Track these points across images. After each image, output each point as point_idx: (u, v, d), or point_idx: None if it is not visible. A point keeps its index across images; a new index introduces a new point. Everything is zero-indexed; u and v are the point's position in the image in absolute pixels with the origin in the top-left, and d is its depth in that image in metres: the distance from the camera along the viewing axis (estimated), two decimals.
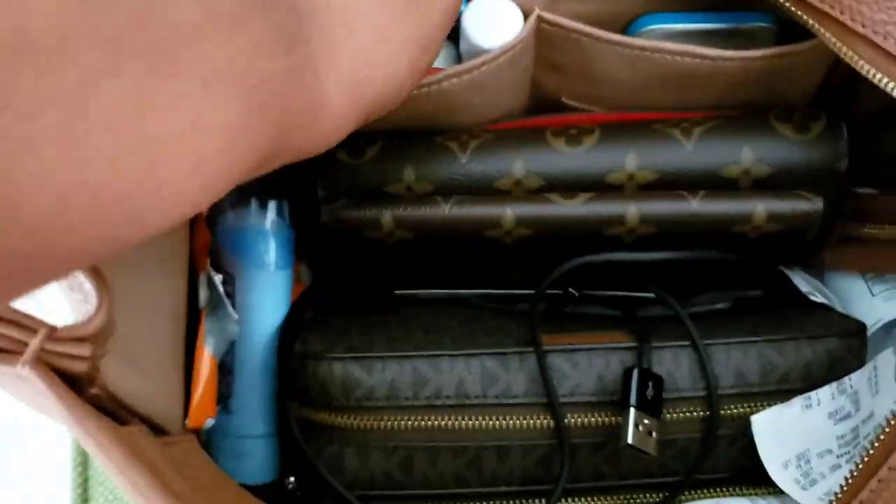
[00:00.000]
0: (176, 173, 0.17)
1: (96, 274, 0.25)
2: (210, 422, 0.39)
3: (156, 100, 0.16)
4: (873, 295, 0.39)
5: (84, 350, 0.24)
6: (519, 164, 0.37)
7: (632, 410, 0.34)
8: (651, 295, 0.39)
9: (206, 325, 0.40)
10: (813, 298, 0.39)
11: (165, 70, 0.16)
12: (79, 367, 0.25)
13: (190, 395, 0.38)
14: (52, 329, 0.24)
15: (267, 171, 0.22)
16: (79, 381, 0.25)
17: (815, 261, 0.42)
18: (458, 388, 0.36)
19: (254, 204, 0.42)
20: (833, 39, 0.29)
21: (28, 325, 0.23)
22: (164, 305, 0.38)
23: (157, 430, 0.34)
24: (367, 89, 0.24)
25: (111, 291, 0.25)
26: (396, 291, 0.43)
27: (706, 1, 0.33)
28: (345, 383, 0.36)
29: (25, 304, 0.25)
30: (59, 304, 0.26)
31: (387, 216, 0.38)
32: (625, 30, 0.37)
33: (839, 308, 0.40)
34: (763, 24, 0.35)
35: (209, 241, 0.40)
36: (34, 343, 0.23)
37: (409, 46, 0.25)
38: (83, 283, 0.25)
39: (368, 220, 0.38)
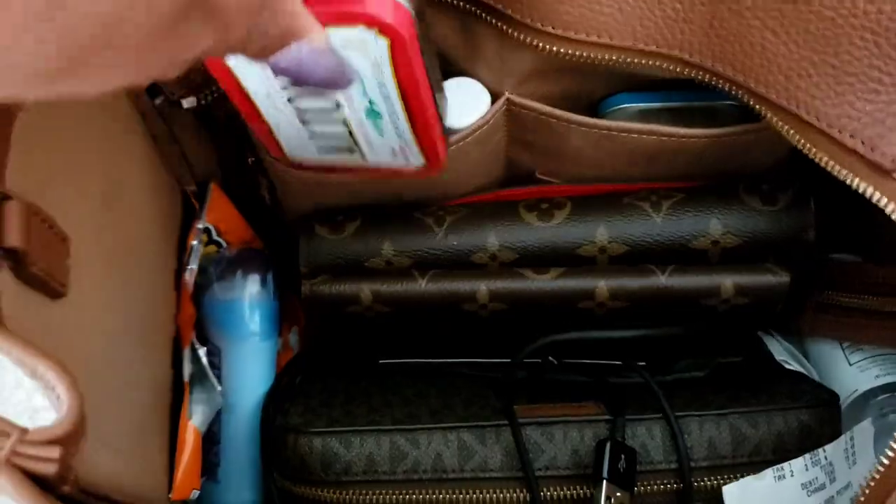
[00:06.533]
0: None
1: (67, 375, 0.25)
2: (195, 493, 0.40)
3: None
4: (850, 364, 0.39)
5: (54, 452, 0.25)
6: (493, 238, 0.38)
7: (604, 484, 0.34)
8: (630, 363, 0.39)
9: (190, 398, 0.40)
10: (788, 367, 0.40)
11: None
12: (49, 470, 0.25)
13: (174, 467, 0.39)
14: (24, 431, 0.24)
15: None
16: (49, 482, 0.25)
17: (795, 326, 0.42)
18: (435, 462, 0.36)
19: (238, 276, 0.43)
20: (791, 132, 0.29)
21: (1, 428, 0.24)
22: (144, 380, 0.38)
23: None
24: None
25: (80, 390, 0.25)
26: (381, 361, 0.44)
27: (668, 80, 0.34)
28: (324, 458, 0.36)
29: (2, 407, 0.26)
30: (42, 403, 0.26)
31: (365, 291, 0.38)
32: (595, 107, 0.38)
33: (815, 376, 0.41)
34: (727, 103, 0.36)
35: (194, 315, 0.41)
36: (6, 446, 0.24)
37: None
38: (55, 384, 0.25)
39: (348, 296, 0.39)
